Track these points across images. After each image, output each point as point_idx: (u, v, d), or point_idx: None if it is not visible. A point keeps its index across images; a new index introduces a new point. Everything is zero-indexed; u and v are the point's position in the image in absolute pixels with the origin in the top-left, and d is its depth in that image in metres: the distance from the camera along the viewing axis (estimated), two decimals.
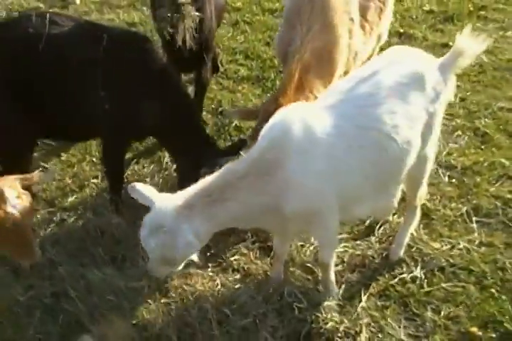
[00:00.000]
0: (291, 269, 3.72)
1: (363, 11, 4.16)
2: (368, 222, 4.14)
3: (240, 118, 4.63)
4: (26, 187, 3.31)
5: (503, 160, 4.65)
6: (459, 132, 4.99)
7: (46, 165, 4.75)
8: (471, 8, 7.07)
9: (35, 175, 3.43)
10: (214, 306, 3.41)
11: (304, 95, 3.70)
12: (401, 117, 3.18)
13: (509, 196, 4.35)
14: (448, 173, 4.57)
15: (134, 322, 3.44)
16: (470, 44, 3.38)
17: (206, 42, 4.64)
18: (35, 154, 4.40)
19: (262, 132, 3.14)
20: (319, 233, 3.40)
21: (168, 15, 4.16)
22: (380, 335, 3.48)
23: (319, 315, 3.40)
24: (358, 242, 4.05)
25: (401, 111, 3.18)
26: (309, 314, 3.41)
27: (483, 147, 4.84)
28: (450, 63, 3.44)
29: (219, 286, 3.60)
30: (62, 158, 4.90)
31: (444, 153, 4.72)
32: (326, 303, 3.45)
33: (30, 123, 3.86)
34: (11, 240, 3.17)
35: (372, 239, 4.08)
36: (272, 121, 3.12)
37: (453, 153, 4.75)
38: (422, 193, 3.79)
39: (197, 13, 4.23)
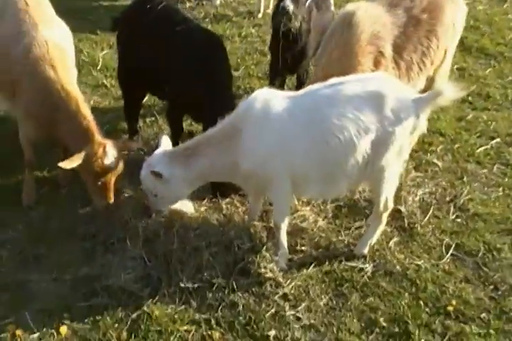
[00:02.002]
0: (256, 223, 4.52)
1: (399, 49, 4.76)
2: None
3: None
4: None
5: None
6: (496, 188, 5.32)
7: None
8: None
9: (129, 143, 4.73)
10: (184, 228, 4.36)
11: None
12: (348, 122, 3.89)
13: (499, 246, 4.66)
14: (457, 213, 4.98)
15: None
16: (448, 88, 3.96)
17: (305, 46, 5.65)
18: None
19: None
20: (272, 197, 4.27)
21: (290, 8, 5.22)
22: (302, 296, 4.15)
23: (254, 258, 4.19)
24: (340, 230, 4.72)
25: (350, 117, 3.89)
26: (247, 255, 4.22)
27: (509, 206, 5.13)
28: (426, 100, 4.05)
29: (199, 219, 4.54)
30: None
31: (467, 197, 5.12)
32: (263, 252, 4.22)
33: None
34: (98, 184, 4.45)
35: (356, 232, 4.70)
36: (245, 99, 4.06)
37: (475, 200, 5.13)
38: (385, 204, 4.32)
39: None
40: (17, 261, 4.35)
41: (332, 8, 6.43)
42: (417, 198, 5.03)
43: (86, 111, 4.44)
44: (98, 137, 4.39)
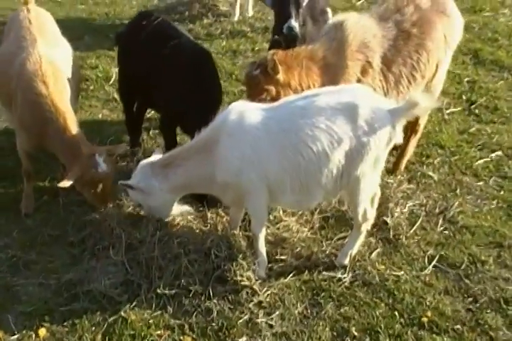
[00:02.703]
0: (237, 232, 4.61)
1: (388, 62, 4.80)
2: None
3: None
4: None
5: (505, 231, 4.88)
6: (489, 201, 5.27)
7: None
8: None
9: (115, 147, 4.92)
10: (168, 235, 4.49)
11: (292, 73, 4.57)
12: (321, 132, 3.96)
13: (484, 258, 4.63)
14: (445, 225, 4.97)
15: None
16: (423, 99, 4.01)
17: None
18: None
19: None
20: (249, 206, 4.34)
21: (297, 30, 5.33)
22: (277, 304, 4.22)
23: (231, 266, 4.28)
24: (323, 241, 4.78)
25: (323, 128, 3.96)
26: (224, 263, 4.31)
27: (501, 218, 5.08)
28: (402, 111, 4.08)
29: (185, 228, 4.67)
30: None
31: (458, 209, 5.10)
32: (240, 261, 4.31)
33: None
34: (96, 191, 4.68)
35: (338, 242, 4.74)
36: (222, 111, 4.20)
37: (466, 212, 5.10)
38: (363, 215, 4.35)
39: None
40: (7, 266, 4.55)
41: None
42: (406, 210, 5.04)
43: (73, 126, 4.62)
44: (85, 149, 4.57)
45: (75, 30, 8.33)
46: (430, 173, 5.59)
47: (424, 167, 5.71)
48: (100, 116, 6.66)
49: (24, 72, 4.65)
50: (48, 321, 4.08)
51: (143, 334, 3.97)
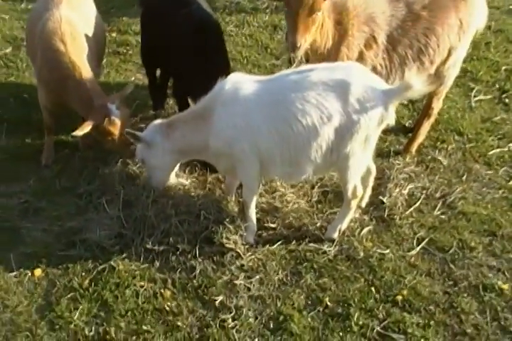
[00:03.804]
0: (230, 197, 4.79)
1: (393, 42, 4.78)
2: None
3: None
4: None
5: (502, 221, 4.88)
6: (495, 190, 5.24)
7: None
8: None
9: (123, 90, 5.11)
10: (164, 195, 4.73)
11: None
12: (311, 107, 4.05)
13: (473, 245, 4.65)
14: (443, 210, 4.99)
15: None
16: (417, 81, 4.02)
17: None
18: None
19: None
20: (240, 175, 4.50)
21: None
22: (259, 269, 4.40)
23: (219, 229, 4.48)
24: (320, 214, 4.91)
25: (313, 103, 4.05)
26: (212, 225, 4.53)
27: (502, 208, 5.06)
28: (395, 93, 4.12)
29: (180, 191, 4.89)
30: None
31: (459, 195, 5.11)
32: (227, 224, 4.50)
33: None
34: (113, 138, 4.90)
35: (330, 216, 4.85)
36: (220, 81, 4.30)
37: (467, 199, 5.10)
38: (353, 192, 4.45)
39: None
40: (18, 209, 4.89)
41: None
42: (405, 191, 5.08)
43: (88, 81, 4.85)
44: (97, 101, 4.80)
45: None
46: (440, 158, 5.57)
47: (437, 152, 5.68)
48: (133, 78, 6.89)
49: (45, 30, 4.91)
50: (45, 263, 4.40)
51: (126, 283, 4.24)
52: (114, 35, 7.78)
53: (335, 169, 4.48)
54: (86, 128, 4.73)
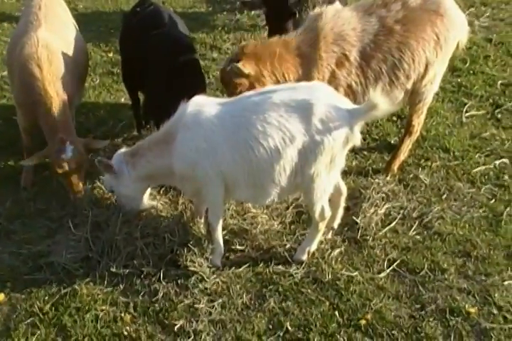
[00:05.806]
0: (199, 220, 4.76)
1: (367, 57, 4.73)
2: None
3: None
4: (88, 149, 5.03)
5: (478, 241, 4.74)
6: (475, 209, 5.10)
7: None
8: None
9: (95, 142, 5.16)
10: (134, 217, 4.71)
11: (264, 64, 4.64)
12: (273, 129, 3.99)
13: (445, 266, 4.52)
14: (419, 230, 4.87)
15: None
16: (383, 100, 3.93)
17: None
18: None
19: None
20: (205, 198, 4.46)
21: None
22: (223, 292, 4.33)
23: (183, 252, 4.45)
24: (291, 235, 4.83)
25: (275, 124, 3.99)
26: (177, 248, 4.49)
27: (480, 228, 4.91)
28: (360, 112, 4.04)
29: (154, 213, 4.86)
30: None
31: (437, 215, 5.00)
32: (191, 247, 4.46)
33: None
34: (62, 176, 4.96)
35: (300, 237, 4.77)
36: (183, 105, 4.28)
37: (445, 218, 4.97)
38: (319, 212, 4.36)
39: None
40: None
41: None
42: (382, 211, 4.98)
43: (58, 110, 4.85)
44: (61, 136, 4.79)
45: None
46: (422, 176, 5.45)
47: (420, 169, 5.57)
48: (123, 100, 6.94)
49: (22, 54, 4.97)
50: (9, 287, 4.42)
51: (87, 307, 4.22)
52: (110, 55, 7.89)
53: (301, 191, 4.40)
54: (35, 159, 4.81)
